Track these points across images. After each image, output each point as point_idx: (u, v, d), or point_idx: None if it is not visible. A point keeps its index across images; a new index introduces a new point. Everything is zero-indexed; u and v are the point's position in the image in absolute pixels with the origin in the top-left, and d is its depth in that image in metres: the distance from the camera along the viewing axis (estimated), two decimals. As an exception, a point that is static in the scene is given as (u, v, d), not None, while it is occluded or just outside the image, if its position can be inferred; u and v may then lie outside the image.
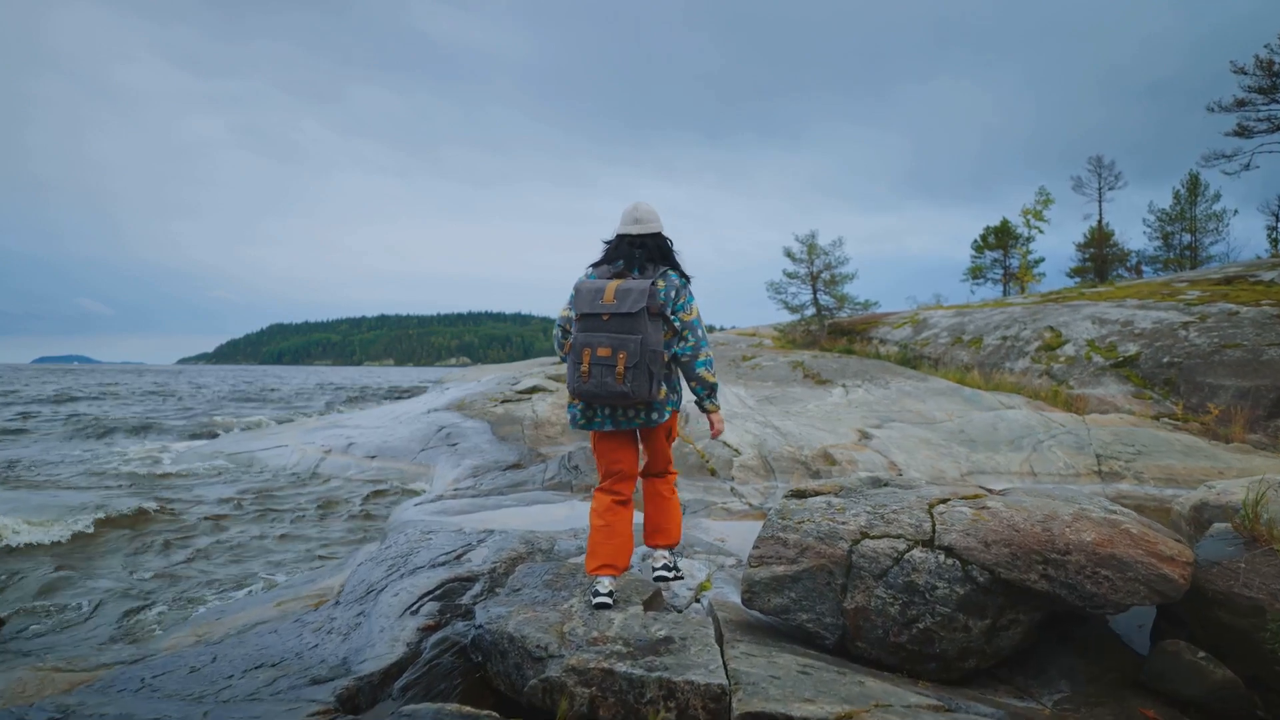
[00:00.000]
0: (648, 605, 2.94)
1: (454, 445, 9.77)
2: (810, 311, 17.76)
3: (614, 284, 2.67)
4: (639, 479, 3.11)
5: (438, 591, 3.32)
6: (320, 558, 5.57)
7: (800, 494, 3.28)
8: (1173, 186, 26.30)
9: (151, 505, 7.09)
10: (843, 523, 2.79)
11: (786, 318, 18.34)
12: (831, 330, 17.58)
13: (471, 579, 3.57)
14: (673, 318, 2.74)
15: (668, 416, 2.84)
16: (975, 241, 25.28)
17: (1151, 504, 6.29)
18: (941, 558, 2.52)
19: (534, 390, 12.97)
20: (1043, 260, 24.55)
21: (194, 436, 14.31)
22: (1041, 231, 23.91)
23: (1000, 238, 24.60)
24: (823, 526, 2.80)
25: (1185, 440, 8.05)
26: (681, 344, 2.79)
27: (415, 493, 7.95)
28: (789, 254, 17.52)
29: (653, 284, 2.67)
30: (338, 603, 3.59)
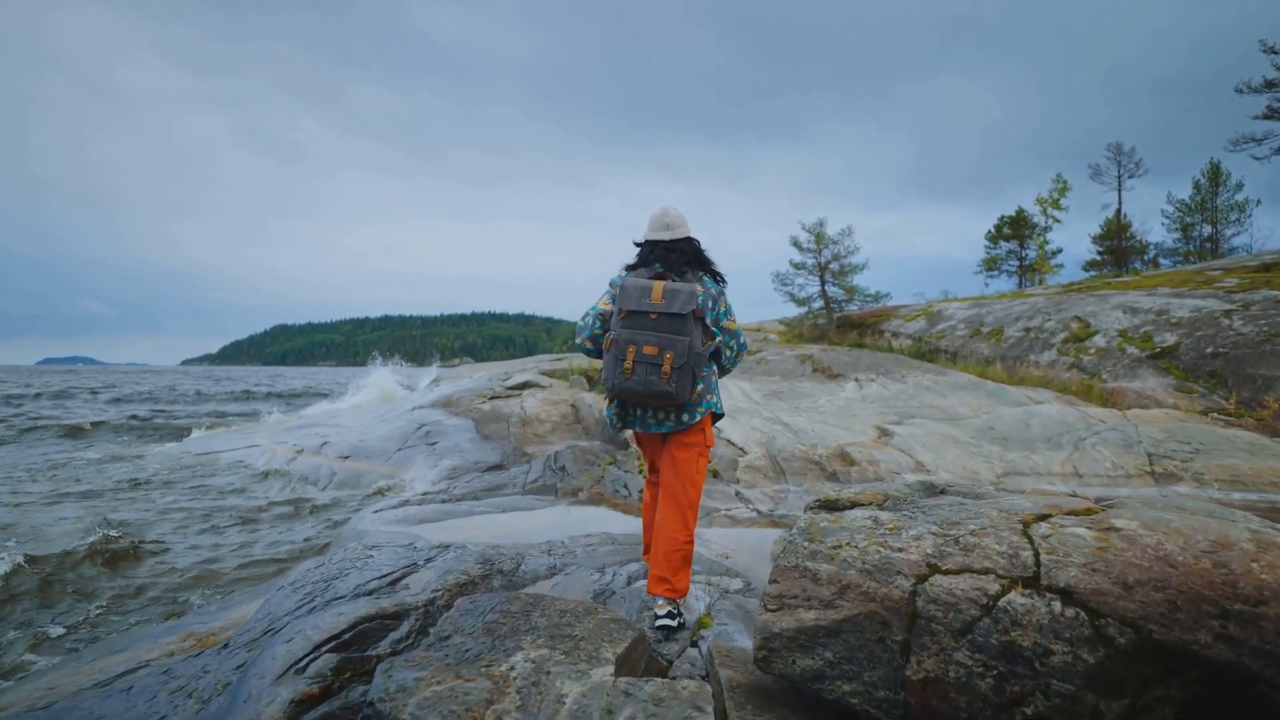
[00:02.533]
0: (622, 662, 2.11)
1: (433, 444, 8.95)
2: (818, 304, 16.90)
3: (661, 284, 2.65)
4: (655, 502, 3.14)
5: (347, 635, 2.49)
6: (255, 577, 4.74)
7: (831, 504, 2.44)
8: (1192, 176, 25.28)
9: (90, 518, 6.30)
10: (899, 549, 1.95)
11: (792, 312, 17.48)
12: (840, 324, 16.72)
13: (399, 615, 2.74)
14: (714, 328, 2.75)
15: (699, 418, 2.75)
16: (989, 232, 24.20)
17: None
18: (1056, 606, 1.68)
19: (525, 386, 12.14)
20: (1060, 251, 23.58)
21: (166, 437, 13.53)
22: (1059, 221, 22.93)
23: (1016, 227, 23.56)
24: (870, 554, 1.96)
25: (1246, 437, 7.17)
26: (727, 352, 2.84)
27: (385, 496, 7.13)
28: (796, 243, 16.67)
29: (695, 287, 2.67)
30: (225, 646, 2.76)
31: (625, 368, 2.57)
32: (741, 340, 2.86)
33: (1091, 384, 10.15)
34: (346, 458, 9.15)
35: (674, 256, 2.80)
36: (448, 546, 3.89)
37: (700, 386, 2.72)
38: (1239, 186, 24.85)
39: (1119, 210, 24.68)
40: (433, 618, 2.80)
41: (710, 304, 2.73)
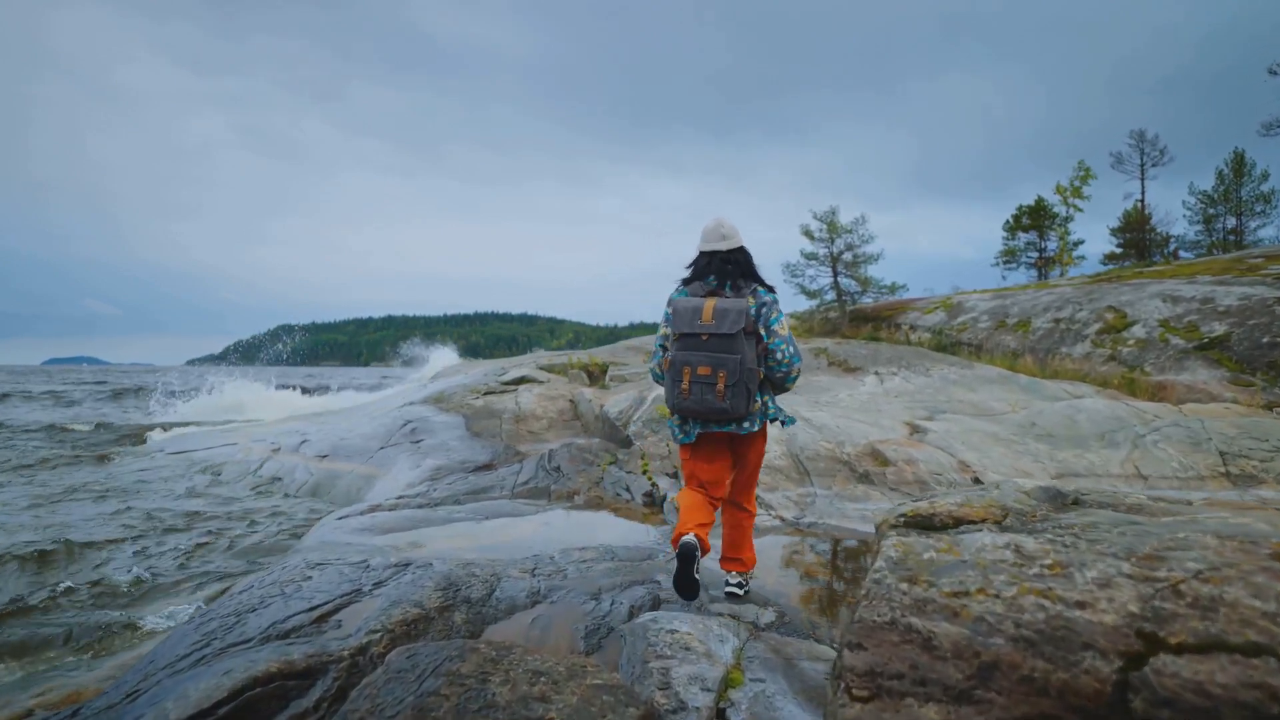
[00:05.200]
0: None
1: (418, 443, 8.19)
2: (830, 296, 16.09)
3: (711, 303, 2.71)
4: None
5: (224, 709, 1.73)
6: (182, 598, 3.98)
7: (925, 521, 1.68)
8: (1215, 167, 24.33)
9: (27, 527, 5.57)
10: (1078, 602, 1.18)
11: (802, 305, 16.68)
12: (853, 317, 15.91)
13: (311, 672, 1.97)
14: (764, 334, 2.76)
15: (759, 426, 2.85)
16: (1007, 222, 23.22)
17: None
18: None
19: (521, 381, 11.38)
20: (1083, 242, 22.59)
21: (143, 437, 12.81)
22: (1080, 210, 21.95)
23: (1035, 218, 22.57)
24: (1027, 610, 1.19)
25: (1326, 434, 6.37)
26: (774, 360, 2.79)
27: (357, 500, 6.37)
28: (807, 232, 15.86)
29: (747, 303, 2.70)
30: (75, 713, 2.00)
31: (683, 388, 2.69)
32: (793, 349, 2.79)
33: (1134, 377, 9.35)
34: (324, 457, 8.40)
35: (730, 269, 2.85)
36: (407, 565, 3.14)
37: (758, 402, 2.77)
38: (1264, 176, 23.91)
39: (1141, 201, 23.73)
40: (361, 672, 2.04)
41: (765, 311, 2.77)
